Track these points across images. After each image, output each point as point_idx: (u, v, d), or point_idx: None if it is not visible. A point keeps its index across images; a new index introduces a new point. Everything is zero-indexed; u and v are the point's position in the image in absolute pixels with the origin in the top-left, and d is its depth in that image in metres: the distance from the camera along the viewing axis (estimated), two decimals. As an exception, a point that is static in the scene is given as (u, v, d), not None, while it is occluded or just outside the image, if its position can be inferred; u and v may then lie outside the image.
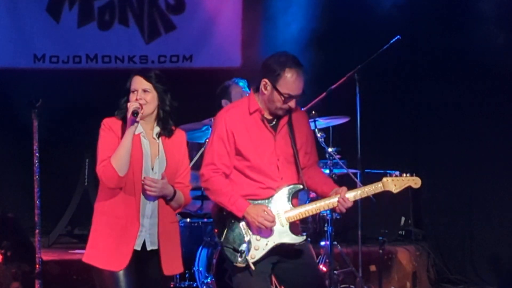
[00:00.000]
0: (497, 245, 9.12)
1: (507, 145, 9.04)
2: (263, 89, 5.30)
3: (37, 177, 6.36)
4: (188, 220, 7.44)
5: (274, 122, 5.38)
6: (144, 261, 5.11)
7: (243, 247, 5.23)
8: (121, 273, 5.02)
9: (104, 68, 9.85)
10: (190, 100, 7.99)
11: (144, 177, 5.04)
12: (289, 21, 9.41)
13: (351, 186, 5.51)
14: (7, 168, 9.57)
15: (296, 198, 5.38)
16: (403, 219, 9.22)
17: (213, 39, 9.89)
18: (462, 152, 9.24)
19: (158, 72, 5.21)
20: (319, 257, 7.37)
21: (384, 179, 5.36)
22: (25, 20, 9.75)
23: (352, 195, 5.29)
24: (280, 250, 5.29)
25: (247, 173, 5.32)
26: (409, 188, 5.41)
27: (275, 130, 5.36)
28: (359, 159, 7.39)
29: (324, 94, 7.37)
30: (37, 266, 6.38)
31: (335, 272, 7.41)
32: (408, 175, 5.40)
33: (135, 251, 5.06)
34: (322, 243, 7.50)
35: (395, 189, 5.37)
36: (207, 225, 7.36)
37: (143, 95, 5.11)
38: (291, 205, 5.30)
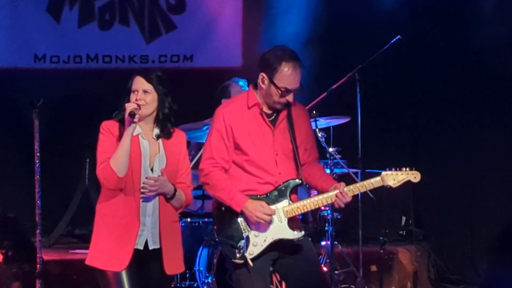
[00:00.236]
0: (498, 245, 9.11)
1: (508, 145, 9.03)
2: (260, 83, 5.30)
3: (38, 177, 6.36)
4: (188, 219, 7.43)
5: (273, 117, 5.37)
6: (147, 261, 5.11)
7: (241, 243, 5.22)
8: (123, 273, 5.02)
9: (105, 68, 9.84)
10: (191, 100, 7.99)
11: (146, 177, 5.03)
12: (290, 20, 9.41)
13: (352, 186, 5.50)
14: (8, 168, 9.55)
15: (295, 193, 5.37)
16: (403, 219, 9.21)
17: (214, 39, 9.89)
18: (463, 153, 9.22)
19: (160, 74, 5.18)
20: (320, 257, 7.35)
21: (383, 173, 5.33)
22: (26, 20, 9.74)
23: (350, 189, 5.27)
24: (279, 246, 5.28)
25: (245, 167, 5.31)
26: (409, 185, 5.38)
27: (274, 125, 5.35)
28: (360, 159, 7.39)
29: (324, 94, 7.38)
30: (38, 266, 6.39)
31: (335, 272, 7.41)
32: (407, 169, 5.38)
33: (137, 251, 5.06)
34: (323, 243, 7.49)
35: (394, 184, 5.35)
36: (208, 224, 7.35)
37: (143, 96, 5.10)
38: (289, 201, 5.29)
